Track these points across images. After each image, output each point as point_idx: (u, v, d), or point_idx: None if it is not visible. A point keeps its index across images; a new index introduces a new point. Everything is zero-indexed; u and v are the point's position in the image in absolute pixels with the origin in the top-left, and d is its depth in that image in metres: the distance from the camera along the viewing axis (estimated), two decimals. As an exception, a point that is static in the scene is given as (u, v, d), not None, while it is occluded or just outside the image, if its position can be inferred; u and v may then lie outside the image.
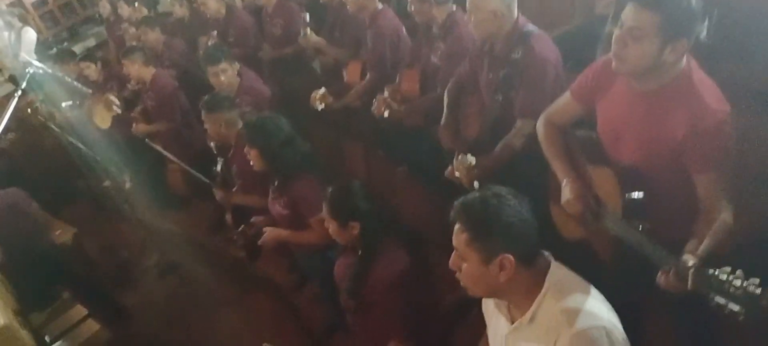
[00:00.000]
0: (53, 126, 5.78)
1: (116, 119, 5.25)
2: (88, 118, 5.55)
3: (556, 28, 3.54)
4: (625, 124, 2.02)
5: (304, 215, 2.95)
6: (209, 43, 5.14)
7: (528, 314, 1.59)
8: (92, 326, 4.02)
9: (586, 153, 2.16)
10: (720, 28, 2.18)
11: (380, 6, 3.93)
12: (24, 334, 3.41)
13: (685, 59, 1.86)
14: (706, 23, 1.79)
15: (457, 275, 1.64)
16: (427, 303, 2.52)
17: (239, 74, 4.13)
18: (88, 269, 5.08)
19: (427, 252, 2.78)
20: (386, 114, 3.42)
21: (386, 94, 3.49)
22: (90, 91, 5.42)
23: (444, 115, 3.10)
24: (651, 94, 1.92)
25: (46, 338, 4.02)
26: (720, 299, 1.46)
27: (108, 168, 6.24)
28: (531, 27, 2.77)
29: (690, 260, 1.59)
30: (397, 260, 2.40)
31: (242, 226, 3.28)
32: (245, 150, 3.07)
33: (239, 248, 3.48)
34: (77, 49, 8.40)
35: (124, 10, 6.73)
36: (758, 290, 1.38)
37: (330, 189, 2.49)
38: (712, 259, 1.54)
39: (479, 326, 1.98)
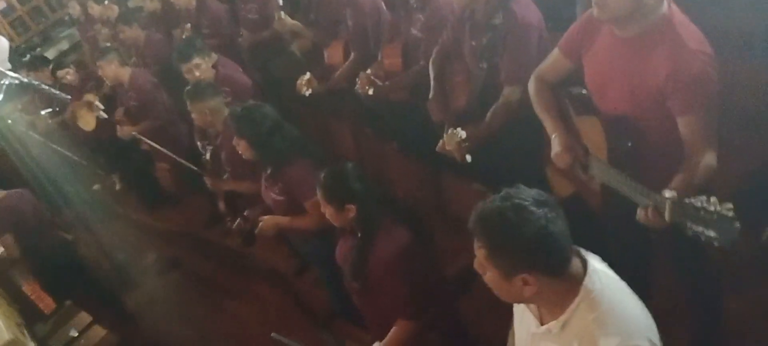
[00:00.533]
0: (36, 135, 5.73)
1: (101, 122, 5.20)
2: (71, 122, 5.50)
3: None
4: (610, 72, 2.05)
5: (299, 199, 2.95)
6: (183, 36, 5.08)
7: (559, 322, 1.49)
8: (99, 331, 4.04)
9: (574, 107, 2.19)
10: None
11: (356, -17, 3.88)
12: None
13: (666, 3, 1.88)
14: None
15: (483, 277, 1.52)
16: (430, 276, 2.54)
17: (215, 66, 4.09)
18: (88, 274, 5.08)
19: (425, 225, 2.81)
20: (370, 92, 3.41)
21: (369, 71, 3.47)
22: (69, 97, 5.34)
23: (432, 87, 3.08)
24: (633, 40, 1.95)
25: (53, 349, 4.04)
26: (696, 227, 1.47)
27: (96, 171, 6.24)
28: None
29: (667, 193, 1.60)
30: (396, 237, 2.40)
31: (238, 219, 3.28)
32: (234, 141, 3.06)
33: (236, 237, 3.50)
34: (51, 53, 8.29)
35: (95, 10, 6.61)
36: (731, 213, 1.40)
37: (323, 174, 2.47)
38: (691, 193, 1.54)
39: (485, 294, 1.96)
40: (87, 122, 5.31)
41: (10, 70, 6.18)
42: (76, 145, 5.84)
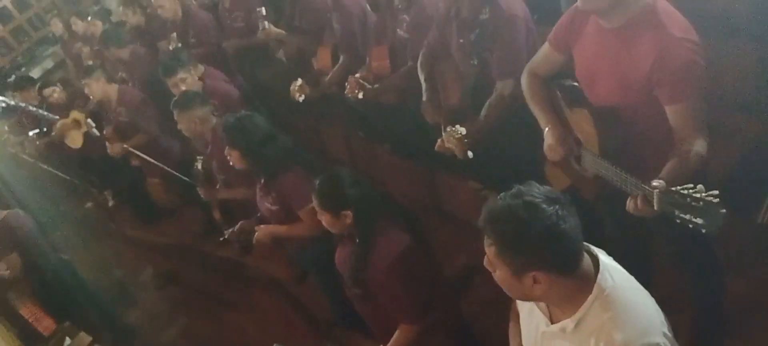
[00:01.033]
0: (25, 156, 5.70)
1: (89, 138, 5.18)
2: (58, 141, 5.47)
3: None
4: (599, 64, 2.06)
5: (294, 208, 2.94)
6: (170, 48, 5.05)
7: (573, 320, 1.47)
8: (99, 351, 4.02)
9: (566, 99, 2.20)
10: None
11: (340, -14, 3.88)
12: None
13: None
14: None
15: (493, 275, 1.51)
16: (431, 278, 2.55)
17: (202, 78, 4.08)
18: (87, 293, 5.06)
19: (423, 225, 2.82)
20: (360, 95, 3.41)
21: (358, 75, 3.47)
22: (56, 117, 5.30)
23: (424, 90, 3.08)
24: (619, 30, 1.96)
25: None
26: (684, 216, 1.49)
27: (88, 189, 6.20)
28: None
29: (655, 183, 1.61)
30: (395, 240, 2.40)
31: (231, 230, 3.28)
32: (226, 152, 3.05)
33: (233, 246, 3.50)
34: (36, 72, 8.24)
35: (79, 26, 6.57)
36: (716, 200, 1.41)
37: (317, 181, 2.47)
38: (683, 181, 1.54)
39: (486, 290, 1.96)
40: (74, 140, 5.28)
41: (-6, 92, 6.13)
42: (66, 165, 5.82)
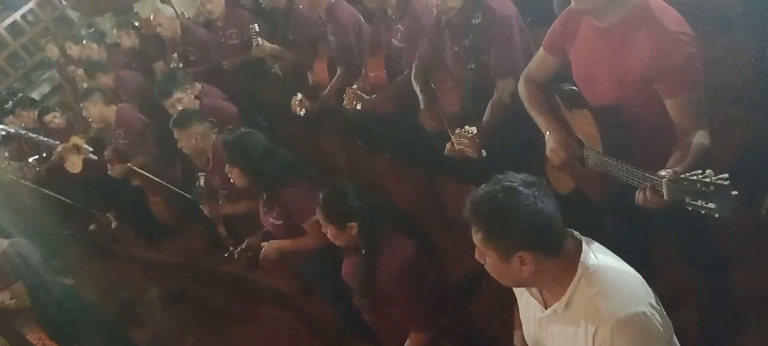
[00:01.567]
0: (26, 181, 5.71)
1: (88, 163, 5.19)
2: (58, 166, 5.48)
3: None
4: (596, 64, 2.08)
5: (298, 221, 2.95)
6: (171, 66, 5.07)
7: (563, 301, 1.55)
8: (109, 375, 4.04)
9: (565, 102, 2.21)
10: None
11: (332, -1, 3.90)
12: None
13: None
14: None
15: (485, 266, 1.58)
16: (439, 282, 2.56)
17: (199, 97, 4.11)
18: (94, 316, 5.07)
19: (427, 232, 2.83)
20: (358, 107, 3.42)
21: (355, 86, 3.48)
22: (56, 142, 5.32)
23: (421, 100, 3.09)
24: (614, 29, 1.98)
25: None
26: (695, 202, 1.49)
27: (91, 212, 6.22)
28: None
29: (663, 172, 1.63)
30: (401, 249, 2.42)
31: (239, 248, 3.29)
32: (226, 170, 3.07)
33: (240, 262, 3.51)
34: (33, 97, 8.24)
35: (73, 50, 6.59)
36: (727, 182, 1.42)
37: (321, 195, 2.49)
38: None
39: (494, 294, 1.98)
40: (74, 165, 5.31)
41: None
42: (67, 188, 5.83)
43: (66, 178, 5.60)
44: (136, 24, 6.40)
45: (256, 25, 4.37)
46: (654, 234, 2.32)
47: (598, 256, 1.54)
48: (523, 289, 1.72)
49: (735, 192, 1.41)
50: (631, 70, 1.95)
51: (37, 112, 5.83)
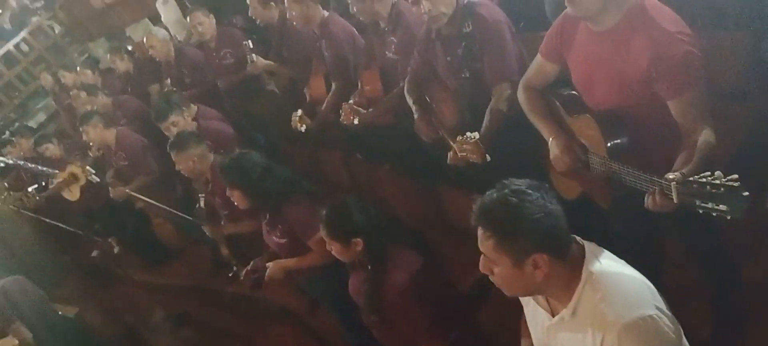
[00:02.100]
0: (26, 211, 5.71)
1: (87, 190, 5.18)
2: (57, 195, 5.47)
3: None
4: (595, 68, 2.07)
5: (302, 238, 2.94)
6: (164, 91, 5.08)
7: (569, 309, 1.53)
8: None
9: (566, 108, 2.21)
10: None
11: (325, 13, 3.90)
12: None
13: None
14: None
15: (491, 277, 1.56)
16: (447, 293, 2.55)
17: (195, 119, 4.12)
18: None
19: (432, 243, 2.83)
20: (356, 121, 3.42)
21: (351, 101, 3.48)
22: (55, 171, 5.31)
23: (415, 111, 3.09)
24: (611, 32, 1.97)
25: None
26: (705, 204, 1.48)
27: (92, 238, 6.20)
28: None
29: (671, 176, 1.62)
30: (407, 263, 2.41)
31: (245, 270, 3.28)
32: (227, 193, 3.06)
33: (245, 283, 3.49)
34: (30, 125, 8.25)
35: (68, 79, 6.60)
36: (737, 184, 1.41)
37: (324, 212, 2.48)
38: (696, 173, 1.54)
39: (502, 303, 1.95)
40: (72, 193, 5.30)
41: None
42: (68, 216, 5.83)
43: (66, 206, 5.59)
44: (130, 48, 6.41)
45: (249, 41, 4.39)
46: (661, 233, 2.31)
47: (601, 260, 1.53)
48: (530, 298, 1.70)
49: (746, 193, 1.40)
50: (631, 73, 1.94)
51: (33, 140, 5.84)
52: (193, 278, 5.31)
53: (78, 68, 6.48)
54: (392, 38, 3.40)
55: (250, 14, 4.40)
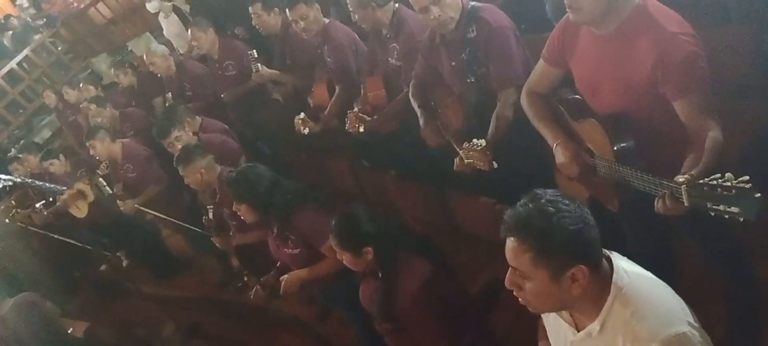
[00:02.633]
0: (34, 228, 5.73)
1: (95, 207, 5.20)
2: (64, 211, 5.50)
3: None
4: (599, 72, 2.06)
5: (316, 246, 2.92)
6: (167, 105, 5.10)
7: (596, 323, 1.48)
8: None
9: (571, 112, 2.20)
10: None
11: (326, 20, 3.92)
12: None
13: None
14: None
15: (515, 292, 1.49)
16: (459, 298, 2.54)
17: (197, 133, 4.14)
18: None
19: (442, 248, 2.83)
20: (361, 129, 3.43)
21: (356, 109, 3.49)
22: (62, 187, 5.33)
23: (420, 116, 3.10)
24: (614, 35, 1.97)
25: None
26: (718, 207, 1.47)
27: (101, 253, 6.22)
28: (475, 2, 2.80)
29: (681, 179, 1.61)
30: (418, 270, 2.40)
31: (256, 287, 3.28)
32: (234, 207, 3.05)
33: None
34: (36, 141, 8.28)
35: (71, 96, 6.63)
36: (749, 185, 1.40)
37: (334, 222, 2.47)
38: (707, 176, 1.52)
39: (513, 306, 1.93)
40: (79, 209, 5.32)
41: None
42: (76, 231, 5.84)
43: (74, 221, 5.60)
44: (135, 64, 6.44)
45: (254, 51, 4.40)
46: (672, 234, 2.30)
47: (629, 273, 1.49)
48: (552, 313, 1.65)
49: (758, 194, 1.39)
50: (636, 76, 1.94)
51: (40, 157, 5.86)
52: (202, 290, 5.32)
53: (81, 85, 6.50)
54: (395, 45, 3.41)
55: (253, 23, 4.41)
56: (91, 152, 5.00)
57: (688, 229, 2.17)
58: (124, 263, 6.48)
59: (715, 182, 1.46)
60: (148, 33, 7.94)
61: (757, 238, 2.21)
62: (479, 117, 2.82)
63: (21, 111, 9.31)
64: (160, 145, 4.69)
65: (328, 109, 3.95)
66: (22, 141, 8.45)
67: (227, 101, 4.92)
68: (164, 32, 7.06)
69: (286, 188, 2.97)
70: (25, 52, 9.37)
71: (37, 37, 9.56)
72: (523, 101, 2.34)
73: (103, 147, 4.85)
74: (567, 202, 1.41)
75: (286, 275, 3.02)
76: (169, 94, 5.24)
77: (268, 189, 2.92)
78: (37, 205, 5.73)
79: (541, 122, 2.25)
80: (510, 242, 1.45)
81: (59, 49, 9.58)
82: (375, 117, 3.46)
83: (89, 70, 8.53)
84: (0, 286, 5.29)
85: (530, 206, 1.42)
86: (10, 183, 5.30)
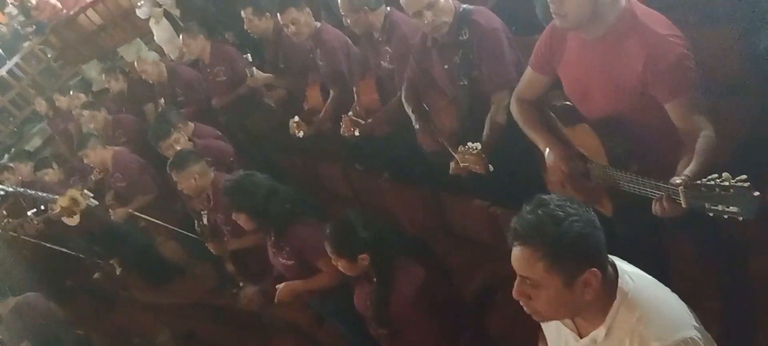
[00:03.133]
0: (26, 237, 5.70)
1: (87, 215, 5.17)
2: (56, 219, 5.47)
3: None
4: (588, 77, 2.06)
5: (311, 260, 2.89)
6: (158, 111, 5.08)
7: (602, 329, 1.46)
8: None
9: (562, 119, 2.20)
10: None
11: (318, 24, 3.91)
12: None
13: None
14: None
15: (523, 302, 1.45)
16: (454, 301, 2.55)
17: (192, 137, 4.13)
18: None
19: (436, 251, 2.83)
20: (356, 133, 3.43)
21: (350, 113, 3.49)
22: (54, 196, 5.30)
23: (415, 121, 3.10)
24: (602, 40, 1.97)
25: None
26: (716, 207, 1.47)
27: (94, 261, 6.19)
28: (466, 5, 2.80)
29: (677, 180, 1.61)
30: (413, 274, 2.41)
31: (251, 295, 3.26)
32: (233, 216, 3.02)
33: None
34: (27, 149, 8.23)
35: (62, 102, 6.59)
36: (747, 184, 1.40)
37: (328, 229, 2.47)
38: (703, 175, 1.53)
39: (509, 306, 1.92)
40: (72, 219, 5.29)
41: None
42: (69, 240, 5.81)
43: (66, 229, 5.57)
44: (126, 69, 6.41)
45: (248, 55, 4.40)
46: (666, 234, 2.31)
47: (634, 279, 1.48)
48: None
49: (757, 193, 1.39)
50: (626, 78, 1.94)
51: (32, 167, 5.82)
52: (197, 296, 5.30)
53: (71, 92, 6.47)
54: (387, 48, 3.42)
55: (245, 27, 4.40)
56: (85, 161, 4.98)
57: (684, 229, 2.17)
58: (118, 271, 6.46)
59: (712, 183, 1.47)
60: (138, 39, 7.91)
61: (751, 234, 2.23)
62: (473, 120, 2.83)
63: (11, 119, 9.25)
64: (152, 154, 4.69)
65: (322, 113, 3.95)
66: (12, 149, 8.41)
67: (217, 107, 4.91)
68: (155, 38, 7.04)
69: (284, 196, 2.94)
70: (15, 59, 9.31)
71: (26, 44, 9.50)
72: (513, 108, 2.34)
73: (95, 154, 4.83)
74: (574, 205, 1.40)
75: (281, 285, 3.00)
76: (161, 100, 5.22)
77: (266, 197, 2.90)
78: (29, 213, 5.70)
79: (530, 128, 2.24)
80: (520, 251, 1.41)
81: (49, 56, 9.52)
82: (369, 120, 3.46)
83: (79, 77, 8.48)
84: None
85: (539, 212, 1.39)
86: (2, 193, 5.25)
